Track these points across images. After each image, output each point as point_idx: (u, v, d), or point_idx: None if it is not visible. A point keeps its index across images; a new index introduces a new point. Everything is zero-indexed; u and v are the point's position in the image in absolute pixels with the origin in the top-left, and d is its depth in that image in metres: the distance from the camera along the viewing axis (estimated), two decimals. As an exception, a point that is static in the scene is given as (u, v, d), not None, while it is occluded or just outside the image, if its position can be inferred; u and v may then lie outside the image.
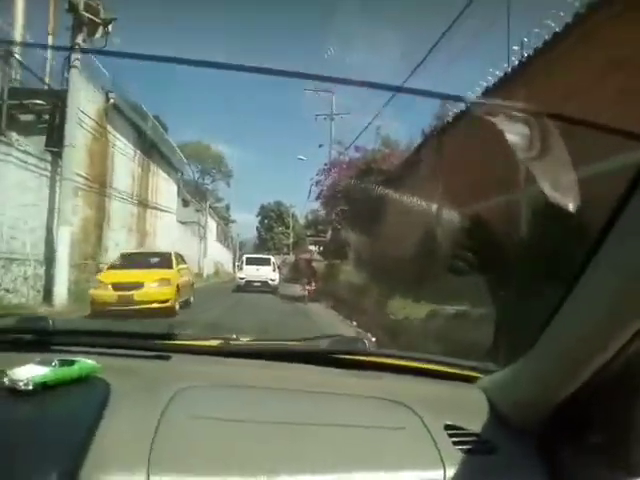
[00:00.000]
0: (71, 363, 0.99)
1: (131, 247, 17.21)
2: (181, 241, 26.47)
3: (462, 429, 0.93)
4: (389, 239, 11.53)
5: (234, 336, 1.34)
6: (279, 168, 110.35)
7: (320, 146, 26.79)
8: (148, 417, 0.87)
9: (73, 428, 0.83)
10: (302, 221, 51.42)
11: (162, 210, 23.51)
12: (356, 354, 1.25)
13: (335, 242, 19.57)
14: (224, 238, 50.36)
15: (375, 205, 14.18)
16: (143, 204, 20.44)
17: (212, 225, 41.04)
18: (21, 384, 0.89)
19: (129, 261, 11.66)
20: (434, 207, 9.44)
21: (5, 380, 0.90)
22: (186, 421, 0.89)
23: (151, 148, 20.94)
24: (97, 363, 1.03)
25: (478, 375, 1.18)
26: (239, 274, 22.79)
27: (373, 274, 11.76)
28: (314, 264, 18.80)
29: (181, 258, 13.29)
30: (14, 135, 10.87)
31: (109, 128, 16.07)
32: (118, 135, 16.96)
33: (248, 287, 20.78)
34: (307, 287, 16.90)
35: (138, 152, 19.36)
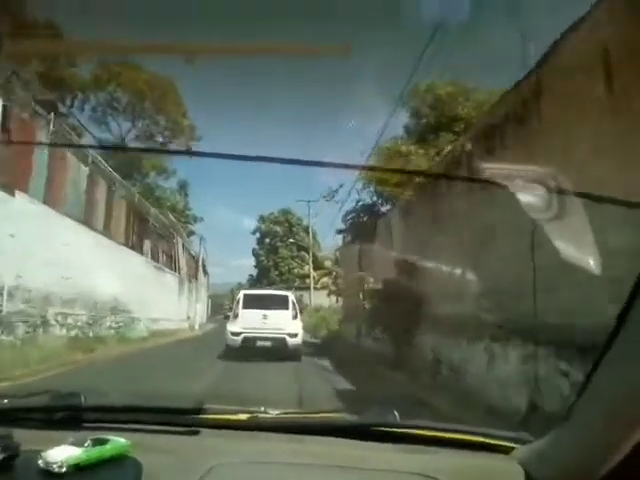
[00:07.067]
0: (103, 442, 0.99)
1: None
2: None
3: None
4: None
5: (262, 409, 1.33)
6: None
7: None
8: None
9: None
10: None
11: None
12: (388, 426, 1.22)
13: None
14: (152, 245, 23.03)
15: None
16: None
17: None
18: (55, 466, 0.89)
19: None
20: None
21: (40, 462, 0.91)
22: None
23: None
24: (128, 440, 1.03)
25: (513, 445, 1.15)
26: (231, 327, 12.76)
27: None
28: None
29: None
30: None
31: None
32: None
33: (248, 351, 11.89)
34: None
35: None
